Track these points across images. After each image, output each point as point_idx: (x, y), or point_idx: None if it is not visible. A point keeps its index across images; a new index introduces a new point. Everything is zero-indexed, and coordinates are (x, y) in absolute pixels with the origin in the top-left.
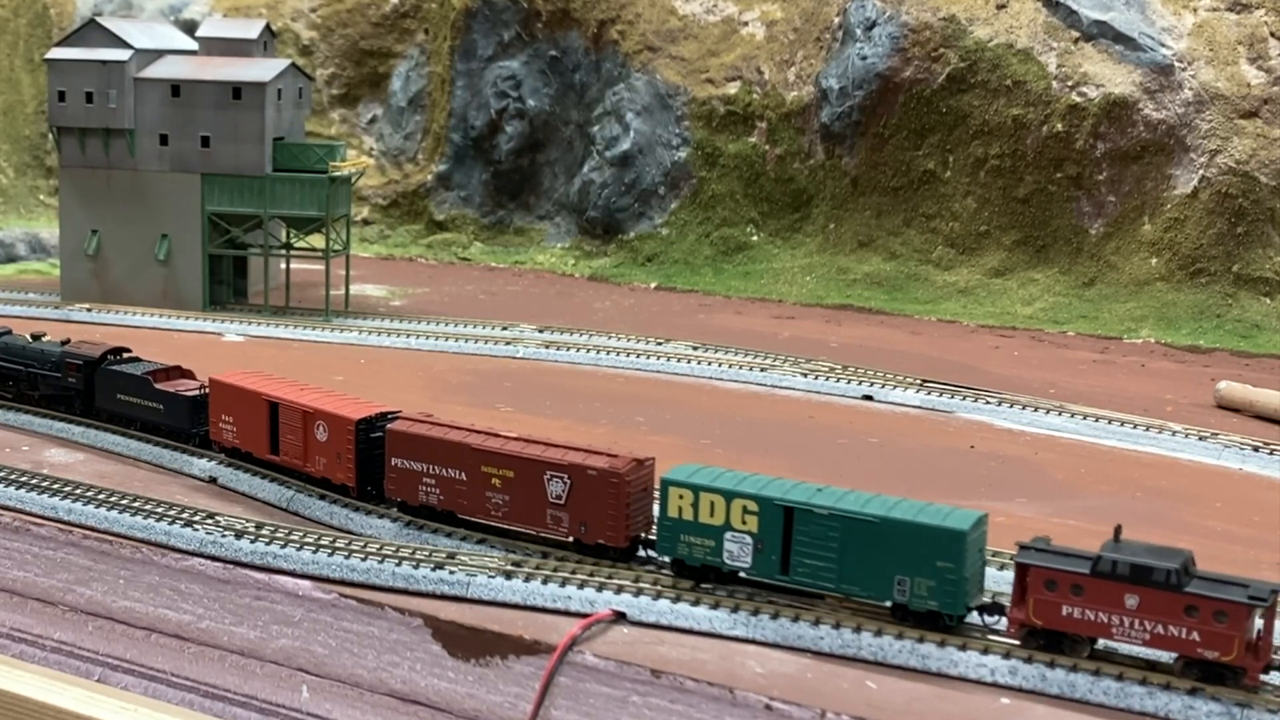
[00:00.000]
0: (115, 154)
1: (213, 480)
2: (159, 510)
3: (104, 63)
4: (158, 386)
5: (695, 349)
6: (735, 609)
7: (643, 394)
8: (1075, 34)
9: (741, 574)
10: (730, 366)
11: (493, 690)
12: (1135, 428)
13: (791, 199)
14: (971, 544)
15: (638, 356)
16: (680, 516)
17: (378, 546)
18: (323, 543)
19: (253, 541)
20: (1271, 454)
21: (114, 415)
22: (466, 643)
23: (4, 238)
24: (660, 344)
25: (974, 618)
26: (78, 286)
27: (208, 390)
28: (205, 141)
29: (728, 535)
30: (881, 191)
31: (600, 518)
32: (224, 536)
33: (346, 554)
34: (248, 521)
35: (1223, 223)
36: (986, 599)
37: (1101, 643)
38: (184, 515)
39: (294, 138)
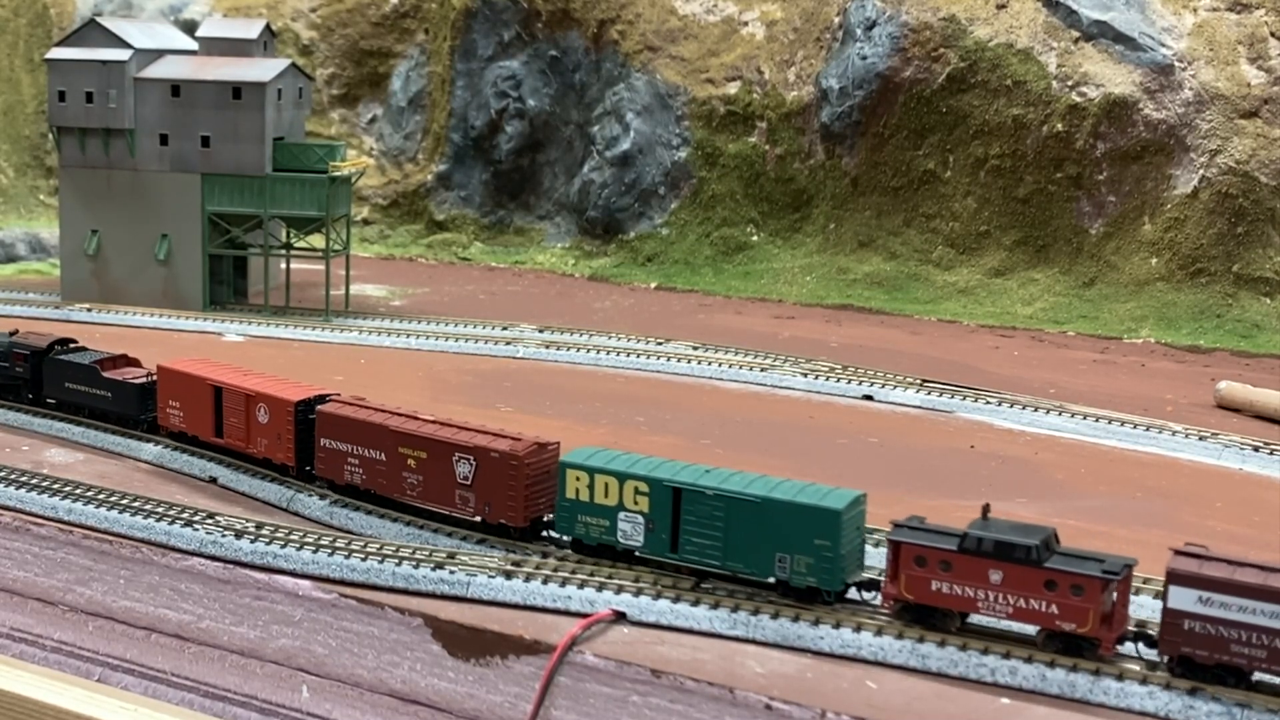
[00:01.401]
0: (115, 154)
1: (213, 480)
2: (159, 510)
3: (104, 63)
4: (105, 375)
5: (695, 349)
6: (735, 609)
7: (643, 394)
8: (1075, 34)
9: (635, 553)
10: (730, 366)
11: (493, 690)
12: (1135, 428)
13: (791, 199)
14: (847, 523)
15: (638, 356)
16: (577, 498)
17: (378, 546)
18: (323, 543)
19: (253, 541)
20: (1271, 454)
21: (63, 403)
22: (466, 643)
23: (4, 238)
24: (660, 344)
25: (852, 594)
26: (78, 286)
27: (155, 378)
28: (205, 141)
29: (621, 515)
30: (881, 191)
31: (502, 498)
32: (224, 536)
33: (346, 554)
34: (248, 521)
35: (1223, 223)
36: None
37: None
38: (184, 515)
39: (294, 138)
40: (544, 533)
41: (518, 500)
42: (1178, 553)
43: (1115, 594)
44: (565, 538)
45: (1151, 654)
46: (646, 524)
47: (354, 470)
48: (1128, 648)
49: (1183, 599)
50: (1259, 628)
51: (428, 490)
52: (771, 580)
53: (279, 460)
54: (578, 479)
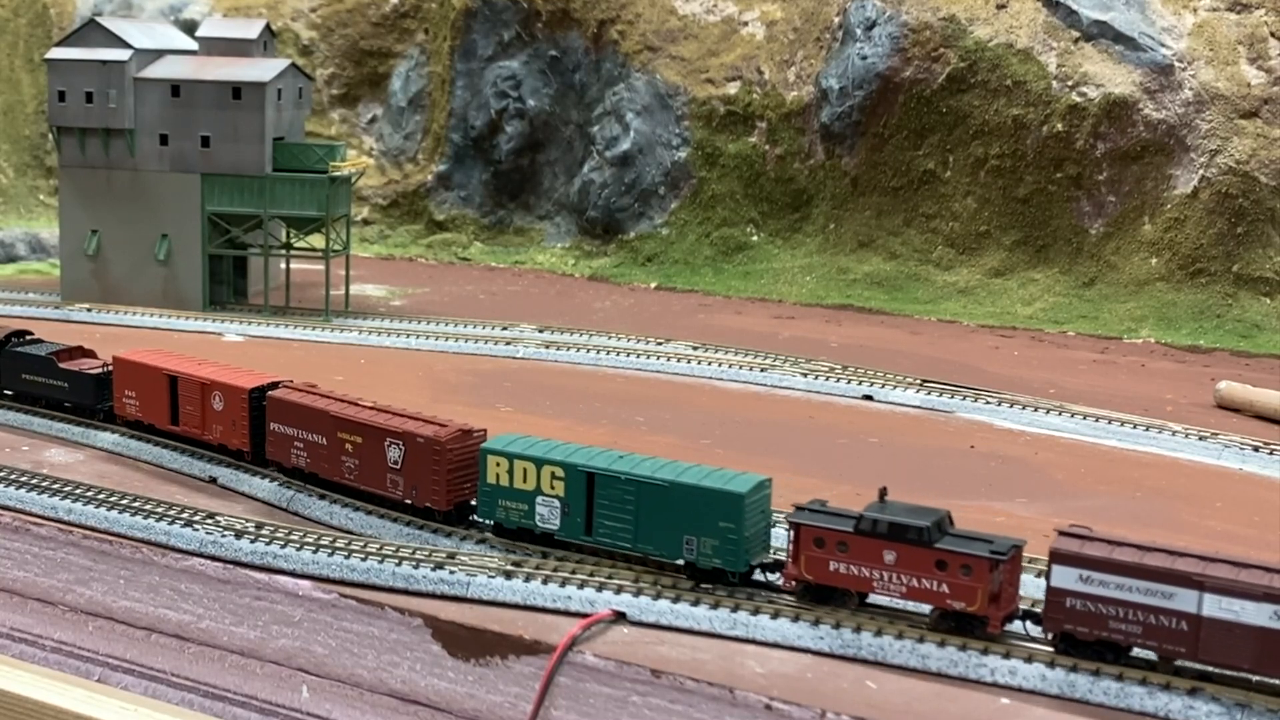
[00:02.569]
0: (115, 154)
1: (213, 480)
2: (159, 510)
3: (104, 63)
4: (62, 366)
5: (695, 349)
6: (735, 609)
7: (643, 394)
8: (1075, 34)
9: (552, 536)
10: (730, 366)
11: (493, 690)
12: (1135, 428)
13: (791, 199)
14: (751, 506)
15: (638, 356)
16: (498, 483)
17: (378, 546)
18: (323, 543)
19: (253, 541)
20: (1271, 454)
21: (20, 394)
22: (466, 643)
23: (4, 238)
24: (660, 344)
25: (757, 575)
26: (78, 286)
27: (111, 368)
28: (205, 141)
29: (539, 500)
30: (881, 191)
31: (427, 482)
32: (224, 536)
33: (346, 554)
34: (248, 521)
35: (1223, 223)
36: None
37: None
38: (184, 515)
39: (294, 138)
40: (471, 517)
41: (441, 484)
42: (1062, 533)
43: (1003, 574)
44: (487, 521)
45: (1037, 631)
46: (562, 508)
47: (299, 454)
48: (1024, 629)
49: (1065, 577)
50: (1135, 604)
51: (363, 474)
52: (680, 562)
53: (234, 446)
54: (498, 464)
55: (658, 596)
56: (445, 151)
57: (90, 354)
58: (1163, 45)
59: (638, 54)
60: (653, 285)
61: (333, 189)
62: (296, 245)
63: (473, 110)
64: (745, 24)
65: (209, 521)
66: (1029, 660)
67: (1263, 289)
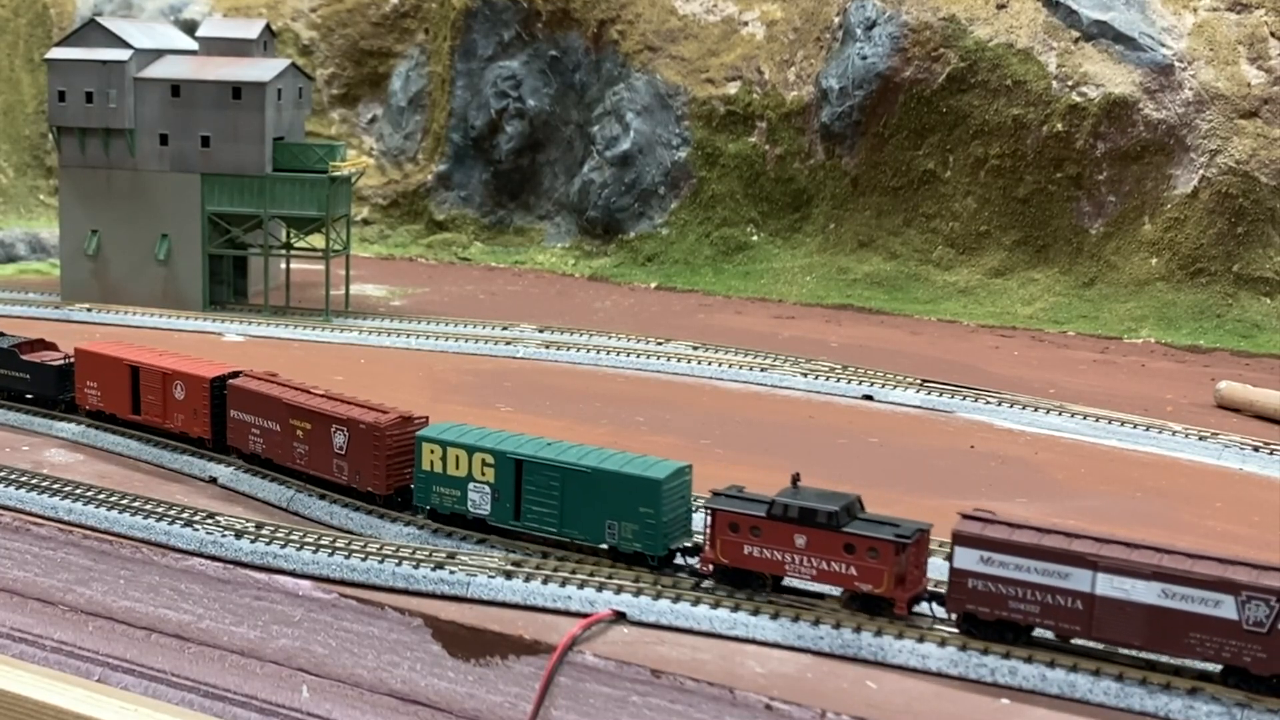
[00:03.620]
0: (115, 154)
1: (213, 480)
2: (159, 510)
3: (104, 63)
4: (24, 358)
5: (695, 349)
6: (735, 609)
7: (643, 394)
8: (1075, 34)
9: (484, 521)
10: (730, 366)
11: (493, 690)
12: (1135, 428)
13: (791, 199)
14: (670, 492)
15: (638, 356)
16: (433, 469)
17: (378, 546)
18: (323, 543)
19: (253, 541)
20: (1271, 454)
21: None
22: (466, 643)
23: (4, 238)
24: (660, 344)
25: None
26: (78, 286)
27: (72, 360)
28: (205, 141)
29: (471, 486)
30: (881, 191)
31: (368, 467)
32: (224, 536)
33: (346, 554)
34: (248, 521)
35: (1223, 223)
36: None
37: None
38: (184, 515)
39: (294, 138)
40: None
41: (381, 469)
42: (964, 516)
43: (909, 557)
44: (424, 507)
45: (942, 612)
46: (493, 493)
47: (256, 440)
48: (930, 610)
49: (966, 559)
50: (1033, 584)
51: (312, 459)
52: (604, 547)
53: (195, 434)
54: (432, 452)
55: (658, 596)
56: (445, 151)
57: (52, 346)
58: (1163, 45)
59: (638, 54)
60: (653, 285)
61: (333, 189)
62: (296, 245)
63: (473, 110)
64: (745, 24)
65: (209, 521)
66: (1029, 660)
67: (1263, 289)
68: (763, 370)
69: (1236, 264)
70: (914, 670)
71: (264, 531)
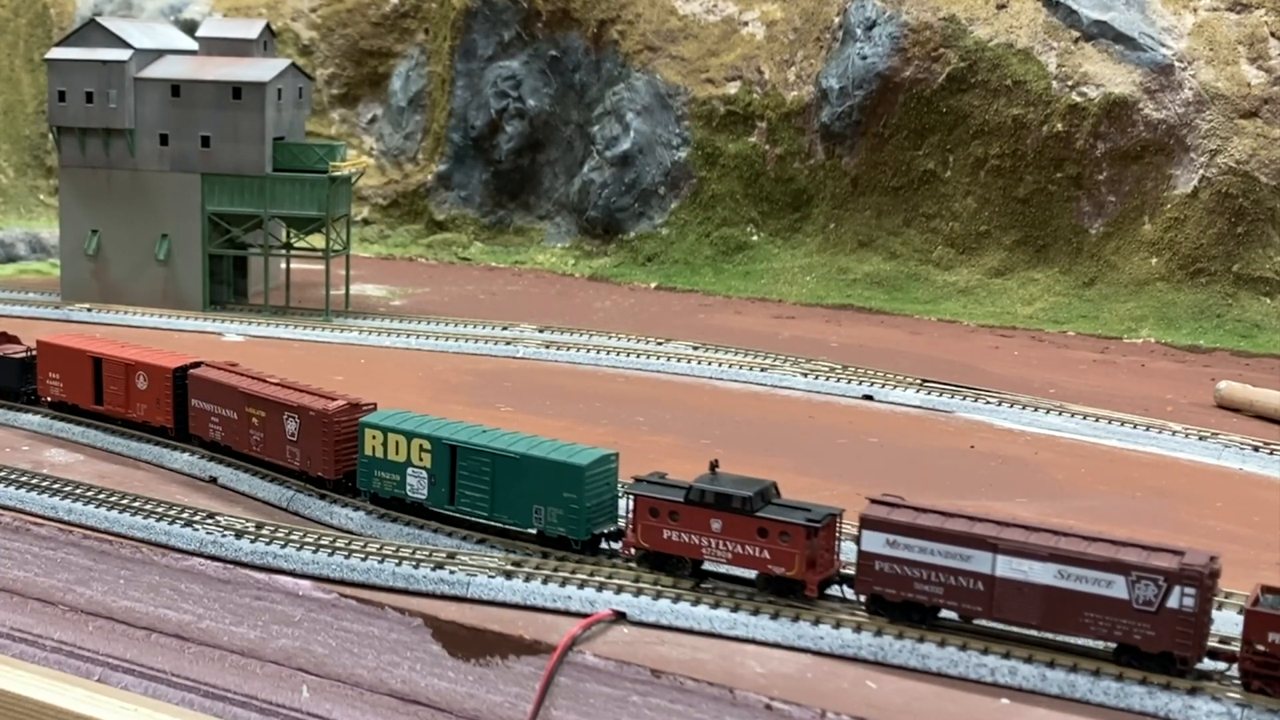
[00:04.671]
0: (115, 154)
1: (213, 480)
2: (159, 510)
3: (104, 63)
4: None
5: (695, 349)
6: (735, 609)
7: (643, 394)
8: (1075, 34)
9: (421, 505)
10: (730, 366)
11: (493, 690)
12: (1135, 428)
13: (791, 199)
14: (593, 478)
15: (638, 356)
16: (374, 455)
17: (378, 546)
18: (323, 543)
19: (253, 541)
20: (1271, 454)
21: None
22: (466, 643)
23: (4, 238)
24: (660, 344)
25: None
26: (78, 286)
27: (34, 352)
28: (205, 141)
29: (409, 471)
30: (881, 191)
31: (318, 453)
32: (224, 536)
33: (346, 554)
34: (248, 521)
35: (1223, 223)
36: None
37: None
38: (184, 515)
39: (294, 138)
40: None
41: (329, 455)
42: (873, 501)
43: (820, 541)
44: (366, 490)
45: (852, 594)
46: (429, 478)
47: (215, 428)
48: (841, 593)
49: (873, 542)
50: (937, 566)
51: (267, 445)
52: (533, 531)
53: (157, 423)
54: (374, 437)
55: (658, 596)
56: (445, 151)
57: (14, 339)
58: (1163, 45)
59: (638, 54)
60: (653, 285)
61: (333, 189)
62: (296, 245)
63: (473, 110)
64: (745, 24)
65: (209, 521)
66: (1029, 660)
67: (1263, 289)
68: (763, 370)
69: (1236, 264)
70: (914, 670)
71: (264, 531)
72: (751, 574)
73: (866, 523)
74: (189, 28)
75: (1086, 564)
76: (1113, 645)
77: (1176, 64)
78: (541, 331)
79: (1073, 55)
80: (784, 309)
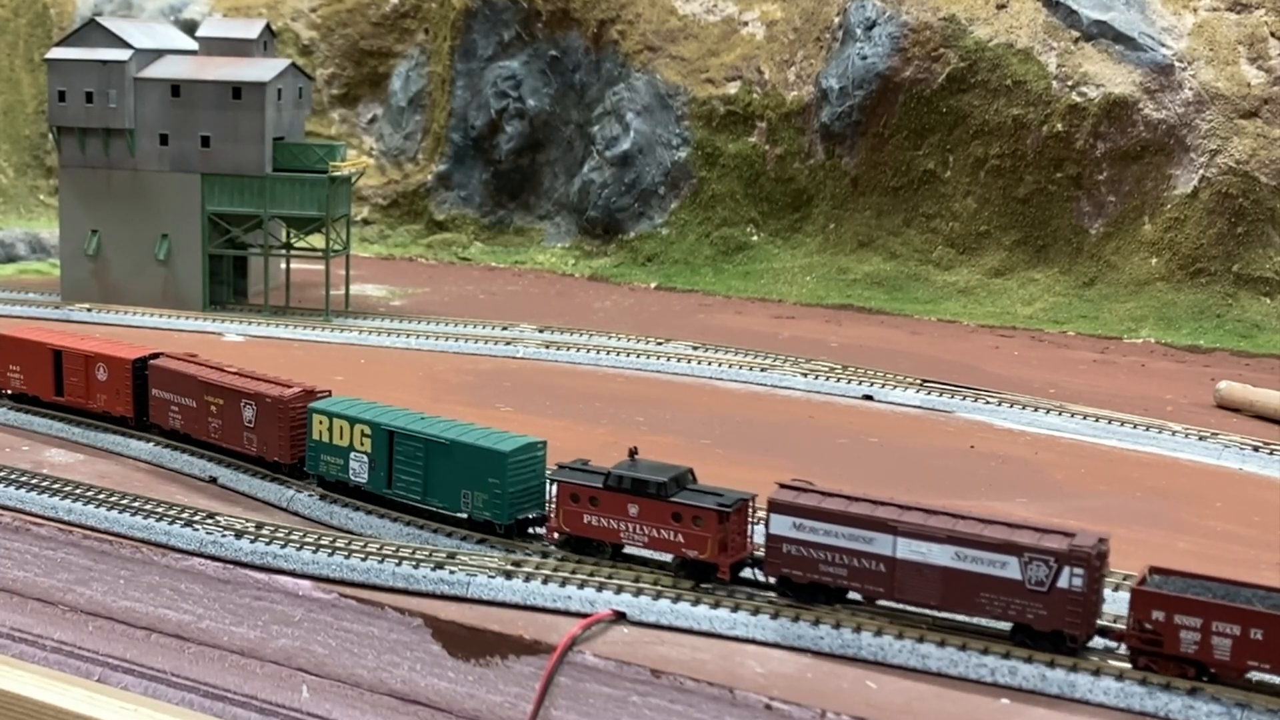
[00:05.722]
0: (115, 154)
1: (213, 480)
2: (159, 510)
3: (104, 63)
4: None
5: (695, 349)
6: (735, 609)
7: (643, 394)
8: (1075, 34)
9: (362, 489)
10: (730, 366)
11: (493, 690)
12: (1135, 428)
13: (791, 199)
14: (516, 464)
15: (638, 356)
16: (321, 439)
17: (378, 546)
18: (323, 543)
19: (253, 541)
20: (1271, 454)
21: None
22: (466, 643)
23: (4, 238)
24: (660, 344)
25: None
26: (78, 286)
27: None
28: (205, 141)
29: (352, 455)
30: (881, 191)
31: (274, 438)
32: (224, 536)
33: (346, 554)
34: (248, 521)
35: (1223, 223)
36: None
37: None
38: (184, 515)
39: (294, 138)
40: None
41: (284, 440)
42: (781, 485)
43: (732, 525)
44: (314, 474)
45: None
46: (370, 462)
47: (175, 416)
48: (754, 575)
49: (781, 525)
50: (841, 549)
51: (225, 432)
52: (464, 515)
53: (117, 413)
54: (321, 423)
55: (658, 596)
56: (445, 151)
57: None
58: (1163, 45)
59: (638, 54)
60: (653, 285)
61: (333, 189)
62: (296, 245)
63: (473, 110)
64: (745, 24)
65: (209, 521)
66: (1029, 660)
67: (1263, 289)
68: (763, 370)
69: (1236, 264)
70: (914, 670)
71: (264, 531)
72: (668, 557)
73: (774, 506)
74: (189, 28)
75: (981, 546)
76: (1008, 625)
77: (1176, 64)
78: (541, 331)
79: (1073, 55)
80: (784, 309)
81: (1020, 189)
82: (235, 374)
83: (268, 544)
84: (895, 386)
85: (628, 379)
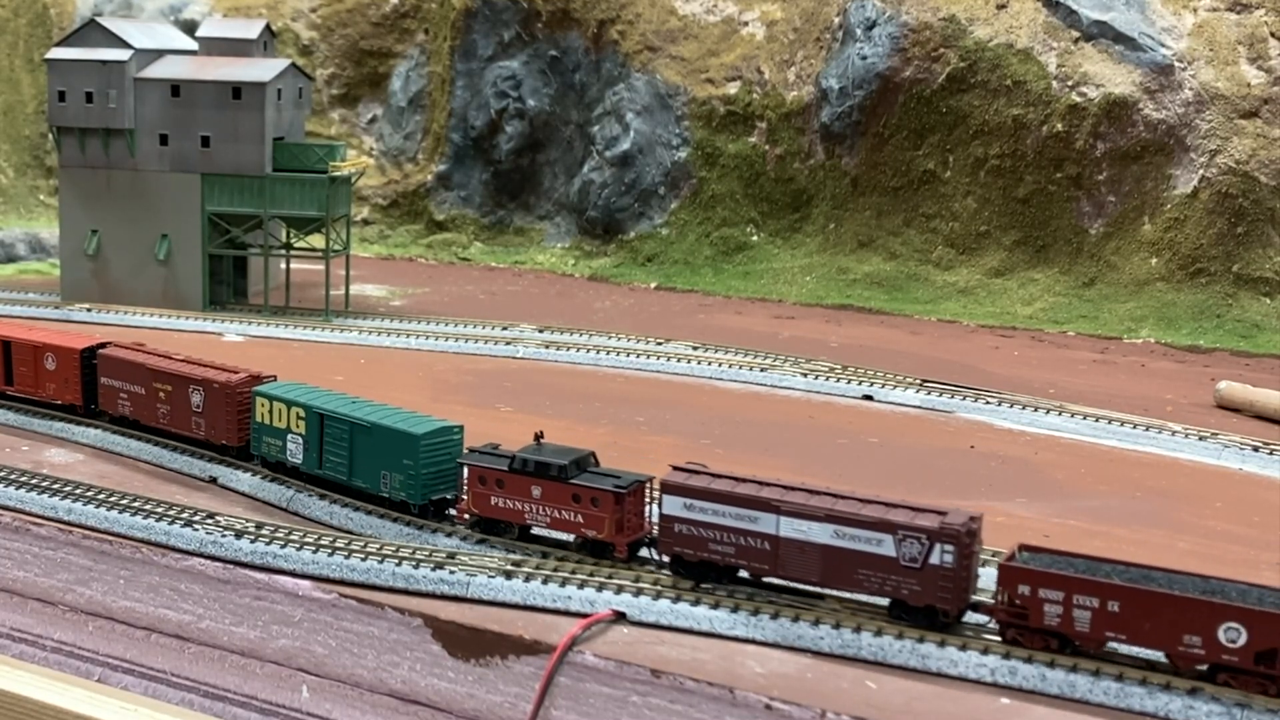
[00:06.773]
0: (115, 154)
1: (213, 480)
2: (159, 510)
3: (104, 63)
4: None
5: (695, 349)
6: (735, 609)
7: (643, 394)
8: (1075, 34)
9: (298, 469)
10: (730, 366)
11: (493, 690)
12: (1135, 428)
13: (791, 199)
14: (429, 447)
15: (638, 356)
16: (263, 421)
17: (378, 546)
18: (323, 543)
19: (253, 541)
20: (1271, 454)
21: None
22: (466, 643)
23: (4, 238)
24: (660, 344)
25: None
26: (78, 286)
27: None
28: (205, 141)
29: (289, 437)
30: (881, 191)
31: (221, 422)
32: (224, 536)
33: (346, 554)
34: (248, 521)
35: (1223, 223)
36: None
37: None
38: (184, 515)
39: (294, 138)
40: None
41: (232, 424)
42: (675, 468)
43: (628, 506)
44: (257, 455)
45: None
46: (304, 444)
47: (124, 403)
48: (650, 554)
49: (672, 505)
50: (729, 528)
51: (173, 417)
52: (385, 495)
53: (66, 401)
54: (263, 406)
55: (658, 596)
56: (445, 151)
57: None
58: (1163, 45)
59: (638, 54)
60: (653, 285)
61: (333, 189)
62: (296, 245)
63: (473, 110)
64: (745, 24)
65: (209, 521)
66: (1029, 660)
67: (1263, 289)
68: (763, 370)
69: (1236, 264)
70: (914, 670)
71: (264, 531)
72: (569, 537)
73: (665, 488)
74: (189, 28)
75: (858, 524)
76: (885, 601)
77: (1176, 64)
78: (541, 331)
79: (1073, 55)
80: (784, 309)
81: (1020, 189)
82: (183, 361)
83: (268, 544)
84: (895, 386)
85: (628, 379)
